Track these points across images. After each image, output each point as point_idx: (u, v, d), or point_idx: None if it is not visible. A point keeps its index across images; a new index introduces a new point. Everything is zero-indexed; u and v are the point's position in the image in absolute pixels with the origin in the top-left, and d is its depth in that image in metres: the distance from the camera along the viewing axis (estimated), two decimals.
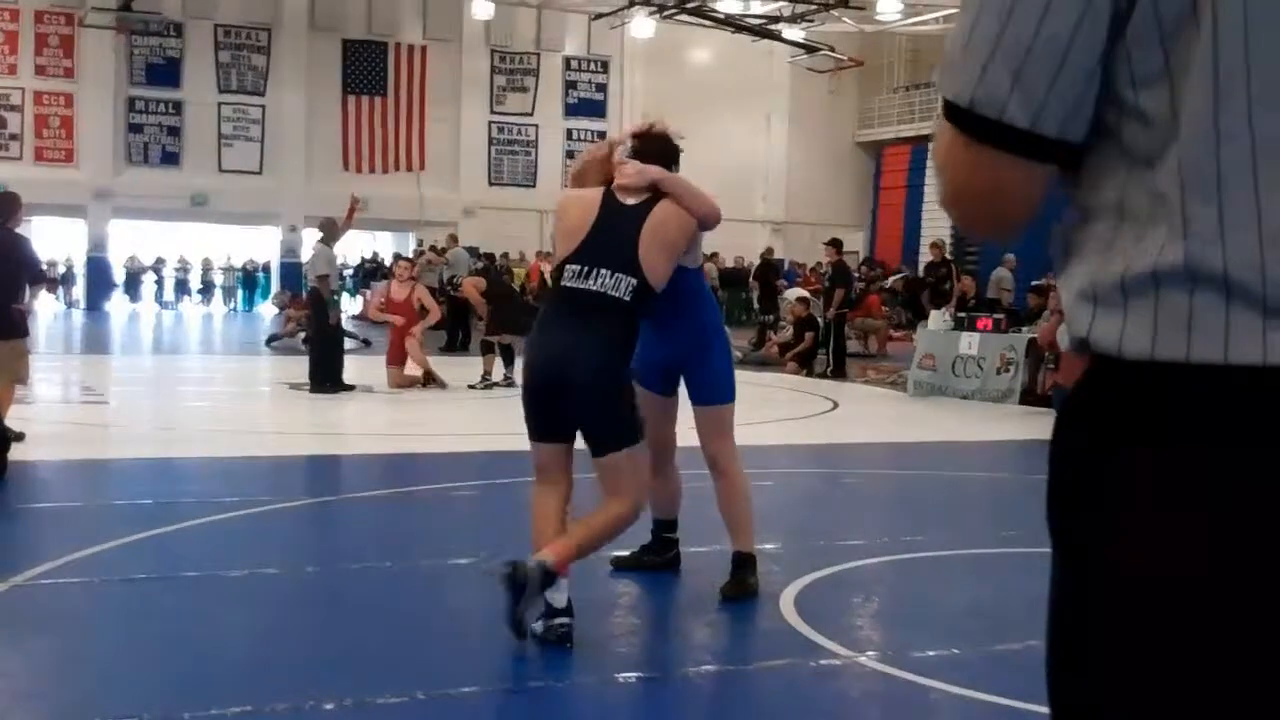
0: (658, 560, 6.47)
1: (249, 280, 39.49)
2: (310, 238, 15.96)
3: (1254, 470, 1.30)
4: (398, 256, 17.03)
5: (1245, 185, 1.29)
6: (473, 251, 30.39)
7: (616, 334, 5.34)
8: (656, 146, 5.66)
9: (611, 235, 5.34)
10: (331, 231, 15.51)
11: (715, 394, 6.07)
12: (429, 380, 16.02)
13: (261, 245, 38.75)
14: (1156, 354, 1.33)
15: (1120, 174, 1.36)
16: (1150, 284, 1.33)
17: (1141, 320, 1.34)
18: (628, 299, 5.29)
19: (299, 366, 15.63)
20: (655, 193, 5.44)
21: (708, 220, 5.55)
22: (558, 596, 5.20)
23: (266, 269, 38.68)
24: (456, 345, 22.66)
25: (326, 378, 15.15)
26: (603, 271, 5.27)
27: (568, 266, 5.34)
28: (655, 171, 5.44)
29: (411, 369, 16.11)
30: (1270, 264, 1.29)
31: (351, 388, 15.31)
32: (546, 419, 5.39)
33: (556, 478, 5.50)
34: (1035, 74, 1.33)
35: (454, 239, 27.83)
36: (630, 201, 5.40)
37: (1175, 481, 1.33)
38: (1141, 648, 1.35)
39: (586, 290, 5.29)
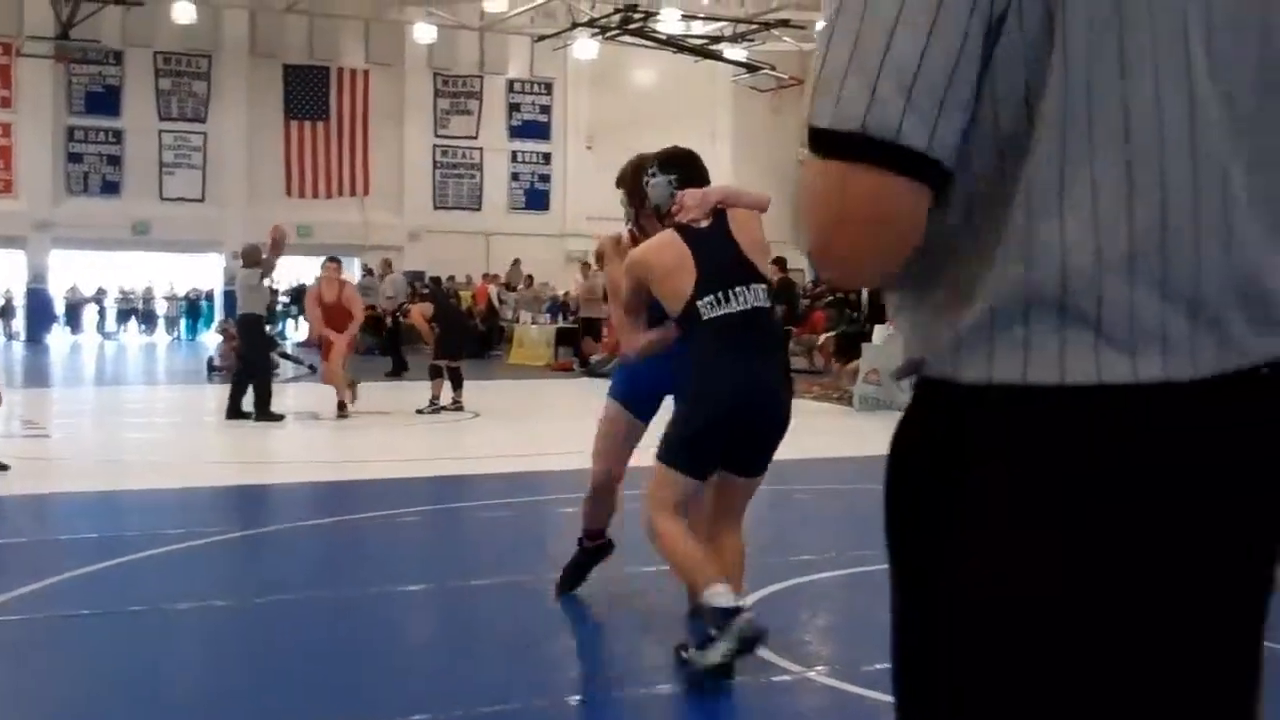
0: (595, 561, 6.42)
1: (193, 309, 39.21)
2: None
3: (1098, 488, 1.31)
4: (329, 258, 16.69)
5: (1085, 211, 1.30)
6: (418, 276, 30.33)
7: (781, 345, 5.40)
8: (690, 168, 5.58)
9: (718, 256, 5.28)
10: (255, 258, 15.39)
11: None
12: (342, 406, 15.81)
13: (205, 273, 38.48)
14: (994, 378, 1.34)
15: (964, 196, 1.36)
16: (987, 308, 1.34)
17: (978, 344, 1.34)
18: (768, 304, 5.36)
19: (245, 396, 15.50)
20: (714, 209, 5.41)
21: (765, 209, 5.54)
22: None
23: (210, 297, 38.41)
24: (396, 371, 22.59)
25: (259, 405, 15.06)
26: (738, 289, 5.25)
27: (699, 302, 5.24)
28: (715, 194, 5.40)
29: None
30: (1107, 287, 1.30)
31: (248, 415, 15.03)
32: (728, 453, 5.34)
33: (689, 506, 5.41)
34: (926, 94, 1.28)
35: (388, 264, 27.69)
36: (704, 224, 5.34)
37: (1024, 501, 1.33)
38: (996, 672, 1.35)
39: (738, 312, 5.25)
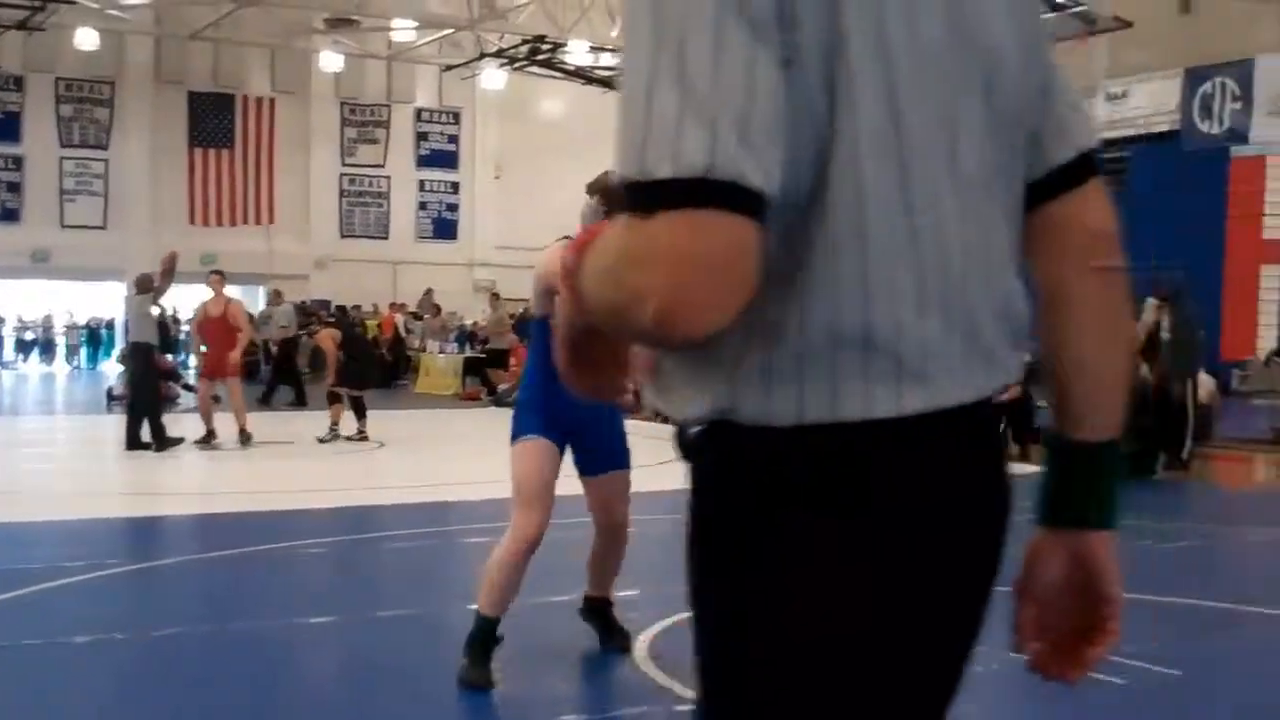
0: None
1: (93, 338, 38.59)
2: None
3: (902, 520, 1.40)
4: (211, 271, 16.55)
5: (879, 250, 1.38)
6: (324, 304, 30.03)
7: None
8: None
9: None
10: (147, 285, 15.24)
11: (628, 458, 6.04)
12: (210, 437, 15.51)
13: (106, 302, 37.90)
14: (805, 417, 1.38)
15: (771, 238, 1.37)
16: (796, 349, 1.38)
17: (788, 385, 1.39)
18: None
19: (143, 426, 15.30)
20: None
21: None
22: None
23: (111, 326, 37.84)
24: (273, 400, 22.36)
25: (154, 433, 14.92)
26: None
27: None
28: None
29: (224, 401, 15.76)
30: (904, 321, 1.39)
31: (148, 446, 14.85)
32: None
33: None
34: (758, 134, 1.28)
35: (279, 295, 27.46)
36: None
37: (839, 538, 1.40)
38: (821, 705, 1.42)
39: None
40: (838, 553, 1.39)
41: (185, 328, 33.62)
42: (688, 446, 1.50)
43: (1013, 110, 1.51)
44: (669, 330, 1.27)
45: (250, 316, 19.01)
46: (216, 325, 15.67)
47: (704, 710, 1.52)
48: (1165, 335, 14.36)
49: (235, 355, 15.55)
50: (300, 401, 22.46)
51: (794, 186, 1.34)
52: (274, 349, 23.64)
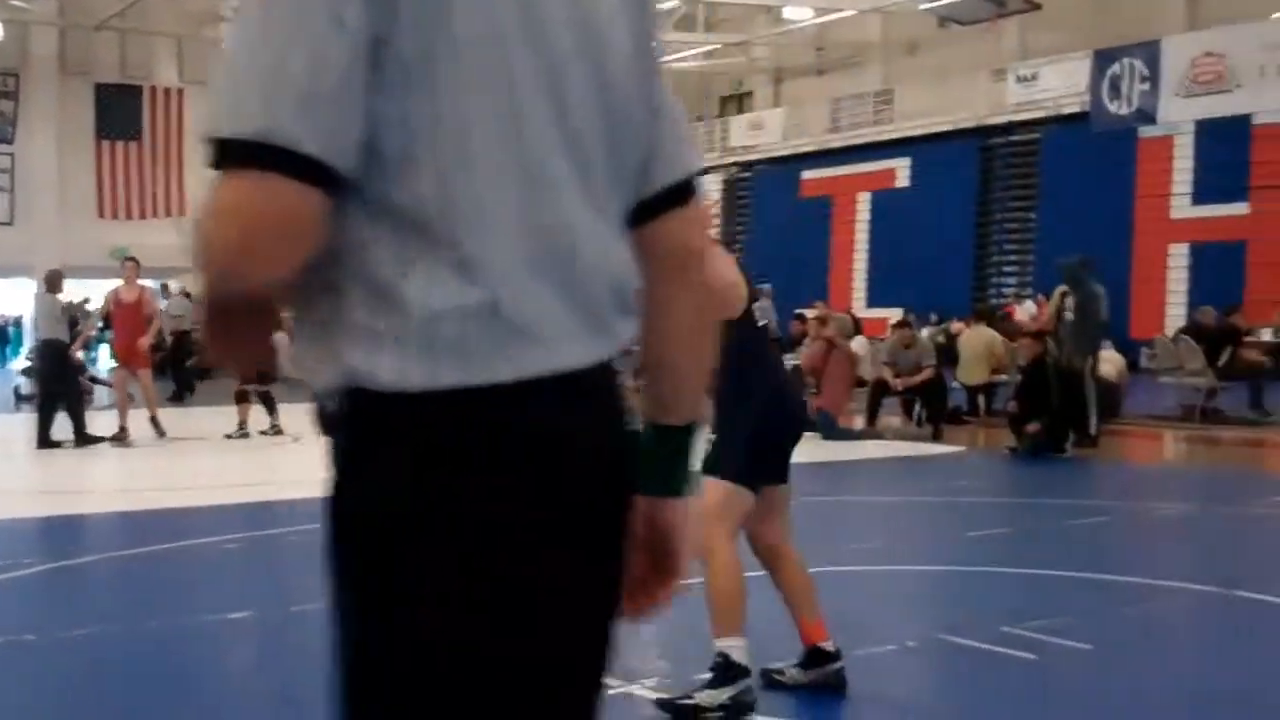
0: None
1: (1, 335, 37.93)
2: (69, 289, 15.49)
3: (542, 476, 1.51)
4: (126, 257, 16.41)
5: (501, 227, 1.48)
6: None
7: None
8: None
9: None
10: (56, 283, 15.10)
11: None
12: (121, 435, 15.21)
13: (14, 298, 37.27)
14: (437, 383, 1.45)
15: (375, 210, 1.46)
16: (422, 318, 1.45)
17: (418, 353, 1.46)
18: None
19: (57, 424, 15.08)
20: None
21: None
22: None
23: (19, 323, 37.21)
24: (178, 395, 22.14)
25: (76, 431, 14.85)
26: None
27: (754, 306, 5.02)
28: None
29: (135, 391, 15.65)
30: (528, 294, 1.49)
31: (59, 444, 14.71)
32: (780, 459, 5.15)
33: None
34: (322, 105, 1.39)
35: (166, 287, 27.27)
36: None
37: (489, 499, 1.48)
38: (494, 667, 1.51)
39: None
40: (488, 512, 1.47)
41: (99, 324, 33.18)
42: (326, 421, 1.56)
43: (626, 124, 1.65)
44: (232, 280, 1.44)
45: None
46: (129, 312, 15.49)
47: (351, 685, 1.56)
48: (1069, 315, 14.58)
49: (144, 342, 15.37)
50: (189, 391, 22.32)
51: (402, 158, 1.44)
52: (167, 338, 23.45)
